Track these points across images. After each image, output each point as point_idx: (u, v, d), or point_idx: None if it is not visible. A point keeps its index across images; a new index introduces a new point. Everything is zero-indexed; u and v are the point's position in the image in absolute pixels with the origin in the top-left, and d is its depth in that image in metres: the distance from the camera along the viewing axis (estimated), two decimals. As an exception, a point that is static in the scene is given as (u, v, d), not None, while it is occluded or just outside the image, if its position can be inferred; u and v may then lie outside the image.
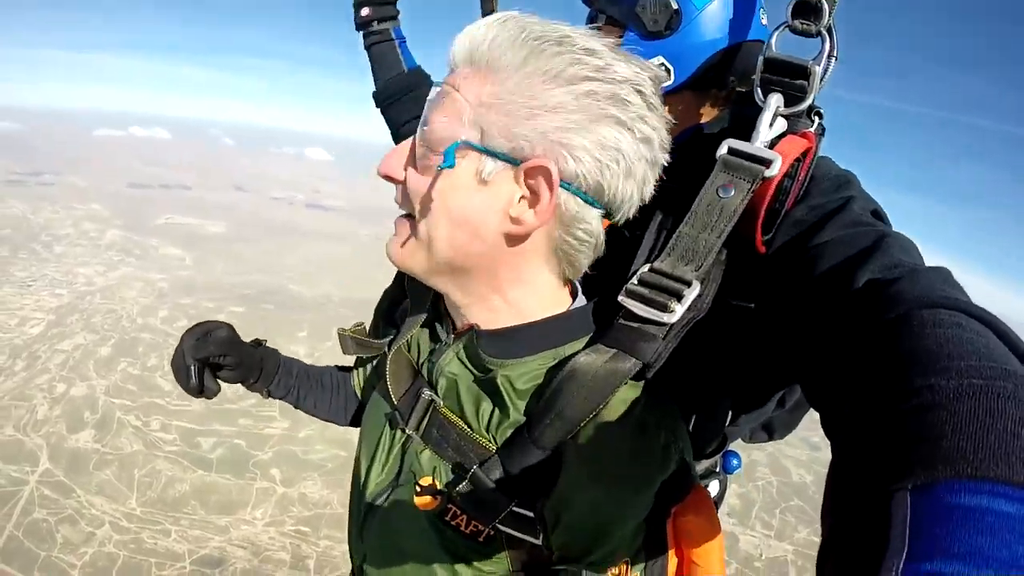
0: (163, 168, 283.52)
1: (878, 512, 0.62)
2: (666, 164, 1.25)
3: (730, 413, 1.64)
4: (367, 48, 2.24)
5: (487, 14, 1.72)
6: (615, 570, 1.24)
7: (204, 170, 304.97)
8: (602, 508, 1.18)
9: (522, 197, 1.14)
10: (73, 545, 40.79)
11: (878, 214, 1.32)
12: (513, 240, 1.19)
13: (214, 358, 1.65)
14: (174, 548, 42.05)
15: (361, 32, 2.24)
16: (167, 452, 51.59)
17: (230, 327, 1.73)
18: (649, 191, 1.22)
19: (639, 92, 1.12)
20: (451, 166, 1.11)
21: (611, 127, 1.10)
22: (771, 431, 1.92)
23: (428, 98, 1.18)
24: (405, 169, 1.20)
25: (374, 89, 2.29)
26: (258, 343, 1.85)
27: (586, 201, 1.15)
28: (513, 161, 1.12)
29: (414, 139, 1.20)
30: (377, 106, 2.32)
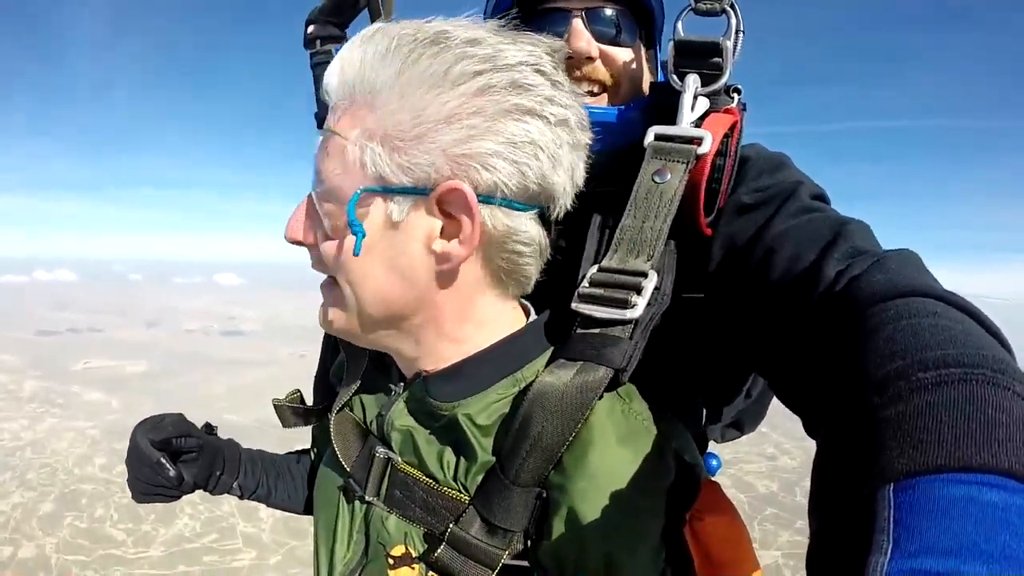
0: (71, 312, 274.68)
1: (862, 511, 0.60)
2: (591, 147, 1.17)
3: (704, 411, 1.65)
4: (312, 67, 1.89)
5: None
6: None
7: (114, 309, 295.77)
8: (611, 537, 1.01)
9: (443, 228, 1.02)
10: None
11: (823, 197, 1.32)
12: (446, 276, 1.06)
13: (176, 442, 1.51)
14: None
15: (308, 51, 1.94)
16: (135, 604, 49.68)
17: (181, 414, 1.60)
18: (581, 175, 1.12)
19: (539, 72, 1.01)
20: (357, 228, 1.00)
21: (518, 120, 0.98)
22: (740, 426, 1.92)
23: (315, 151, 1.06)
24: (313, 231, 1.08)
25: (315, 110, 1.92)
26: (211, 429, 1.70)
27: (514, 208, 1.03)
28: (420, 192, 0.99)
29: (311, 196, 1.07)
30: (318, 127, 1.94)
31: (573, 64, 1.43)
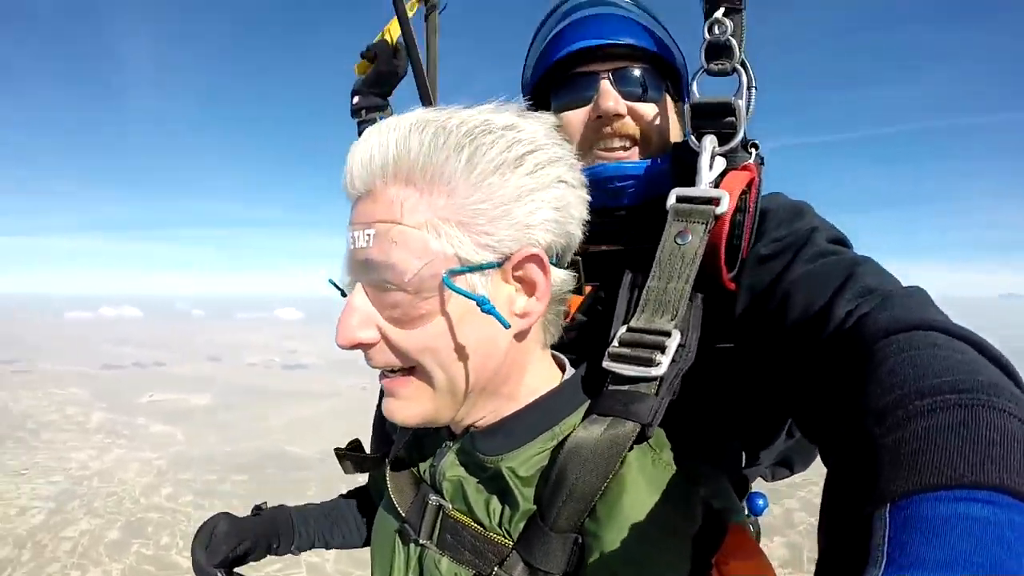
0: (136, 347, 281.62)
1: (861, 531, 0.63)
2: (624, 221, 1.39)
3: (744, 455, 1.68)
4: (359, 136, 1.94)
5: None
6: None
7: (177, 344, 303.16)
8: None
9: (517, 290, 1.12)
10: None
11: (841, 240, 1.36)
12: (520, 337, 1.17)
13: (232, 554, 1.64)
14: None
15: (355, 120, 2.17)
16: (201, 631, 49.56)
17: (227, 515, 1.72)
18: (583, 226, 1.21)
19: (559, 145, 1.14)
20: (447, 308, 1.06)
21: (557, 188, 1.10)
22: (790, 465, 1.93)
23: (356, 246, 1.06)
24: (374, 327, 1.08)
25: None
26: (259, 510, 1.85)
27: (558, 265, 1.16)
28: (499, 264, 1.07)
29: (364, 294, 1.08)
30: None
31: (603, 122, 1.55)
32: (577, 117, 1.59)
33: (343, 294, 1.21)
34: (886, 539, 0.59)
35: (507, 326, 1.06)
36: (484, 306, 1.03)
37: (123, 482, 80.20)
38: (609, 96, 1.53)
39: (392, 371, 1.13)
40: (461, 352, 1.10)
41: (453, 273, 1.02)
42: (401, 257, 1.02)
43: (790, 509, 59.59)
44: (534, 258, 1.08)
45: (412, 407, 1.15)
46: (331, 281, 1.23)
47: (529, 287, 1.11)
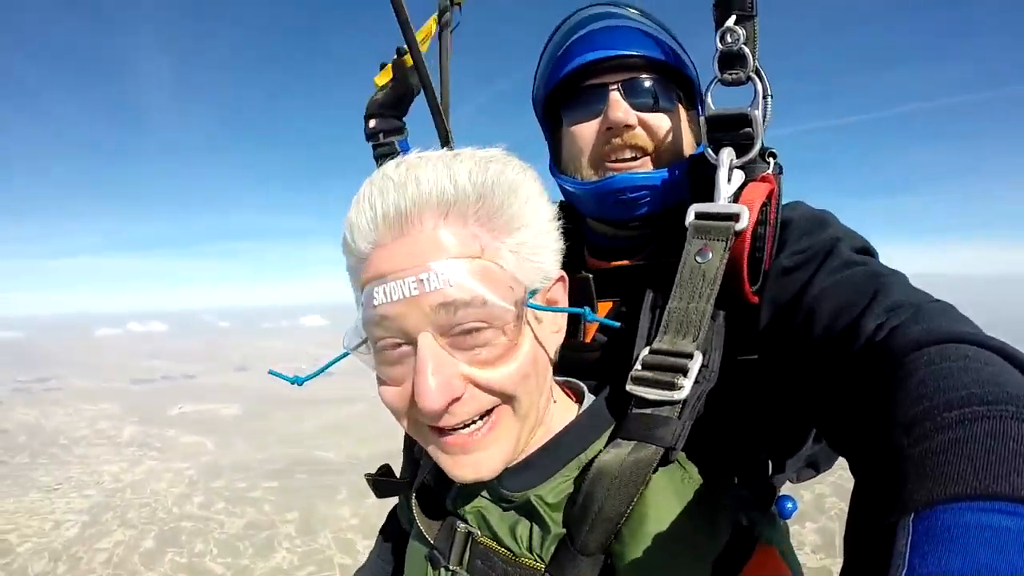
0: (164, 360, 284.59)
1: (884, 540, 0.63)
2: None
3: (770, 463, 1.66)
4: (376, 159, 2.11)
5: (444, 141, 2.00)
6: None
7: (205, 356, 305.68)
8: None
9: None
10: None
11: (866, 250, 1.35)
12: (550, 357, 1.20)
13: None
14: None
15: (370, 143, 2.14)
16: (238, 634, 49.75)
17: None
18: None
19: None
20: (590, 316, 1.11)
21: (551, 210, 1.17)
22: (816, 466, 1.92)
23: (429, 289, 0.97)
24: (458, 376, 1.02)
25: None
26: None
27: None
28: (541, 288, 1.13)
29: (437, 349, 1.00)
30: None
31: (613, 133, 1.54)
32: (588, 130, 1.60)
33: (297, 383, 1.23)
34: (908, 547, 0.59)
35: (537, 364, 1.11)
36: (588, 317, 1.10)
37: (156, 493, 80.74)
38: (619, 107, 1.53)
39: (470, 423, 1.08)
40: (538, 378, 1.12)
41: (527, 307, 1.06)
42: (494, 293, 1.00)
43: (821, 495, 59.19)
44: (561, 279, 1.18)
45: (500, 451, 1.11)
46: (272, 372, 1.23)
47: (552, 303, 1.18)
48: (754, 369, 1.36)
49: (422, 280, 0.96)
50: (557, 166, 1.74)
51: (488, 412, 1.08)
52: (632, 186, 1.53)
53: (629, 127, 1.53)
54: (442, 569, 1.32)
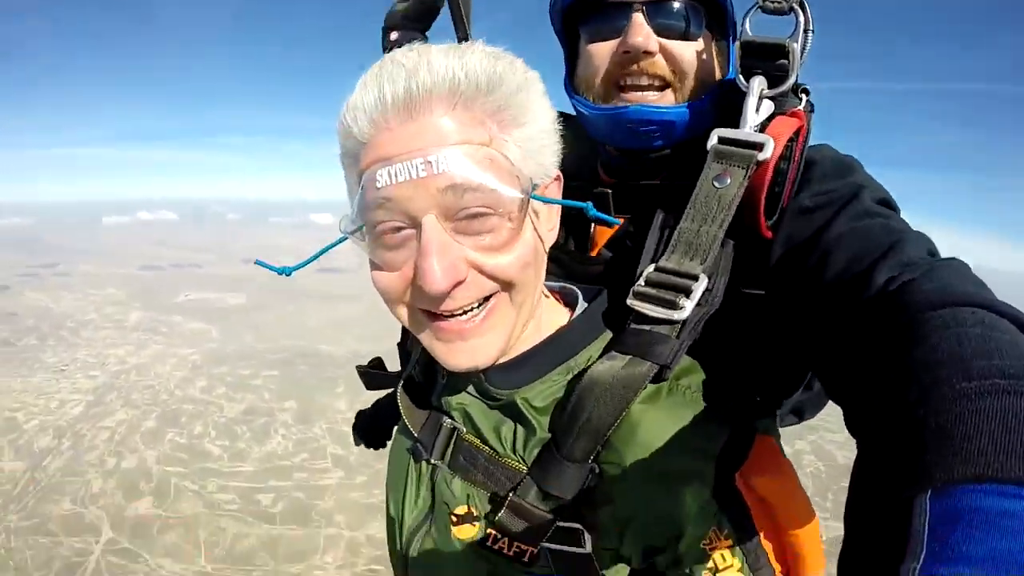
0: (173, 249, 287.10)
1: (898, 516, 0.61)
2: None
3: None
4: None
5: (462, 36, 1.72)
6: (717, 555, 1.10)
7: (213, 247, 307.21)
8: (661, 502, 1.11)
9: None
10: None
11: (888, 203, 1.31)
12: (545, 252, 1.18)
13: None
14: (250, 603, 41.47)
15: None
16: (229, 511, 51.67)
17: None
18: None
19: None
20: (591, 210, 1.08)
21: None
22: (800, 413, 1.87)
23: (437, 171, 0.96)
24: (464, 260, 1.03)
25: None
26: None
27: None
28: (540, 183, 1.12)
29: (442, 232, 1.00)
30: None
31: (631, 58, 1.44)
32: (603, 50, 1.48)
33: (285, 273, 1.23)
34: (925, 528, 0.57)
35: (536, 251, 1.12)
36: (590, 212, 1.08)
37: (159, 376, 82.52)
38: (640, 30, 1.41)
39: (468, 309, 1.08)
40: (536, 269, 1.13)
41: (529, 197, 1.05)
42: (502, 179, 1.00)
43: (800, 451, 58.67)
44: (558, 179, 1.18)
45: (496, 338, 1.12)
46: (259, 262, 1.22)
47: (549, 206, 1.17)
48: (758, 304, 1.34)
49: (431, 162, 0.96)
50: (571, 85, 1.61)
51: (486, 299, 1.09)
52: (645, 120, 1.45)
53: (648, 53, 1.42)
54: (424, 463, 1.34)
